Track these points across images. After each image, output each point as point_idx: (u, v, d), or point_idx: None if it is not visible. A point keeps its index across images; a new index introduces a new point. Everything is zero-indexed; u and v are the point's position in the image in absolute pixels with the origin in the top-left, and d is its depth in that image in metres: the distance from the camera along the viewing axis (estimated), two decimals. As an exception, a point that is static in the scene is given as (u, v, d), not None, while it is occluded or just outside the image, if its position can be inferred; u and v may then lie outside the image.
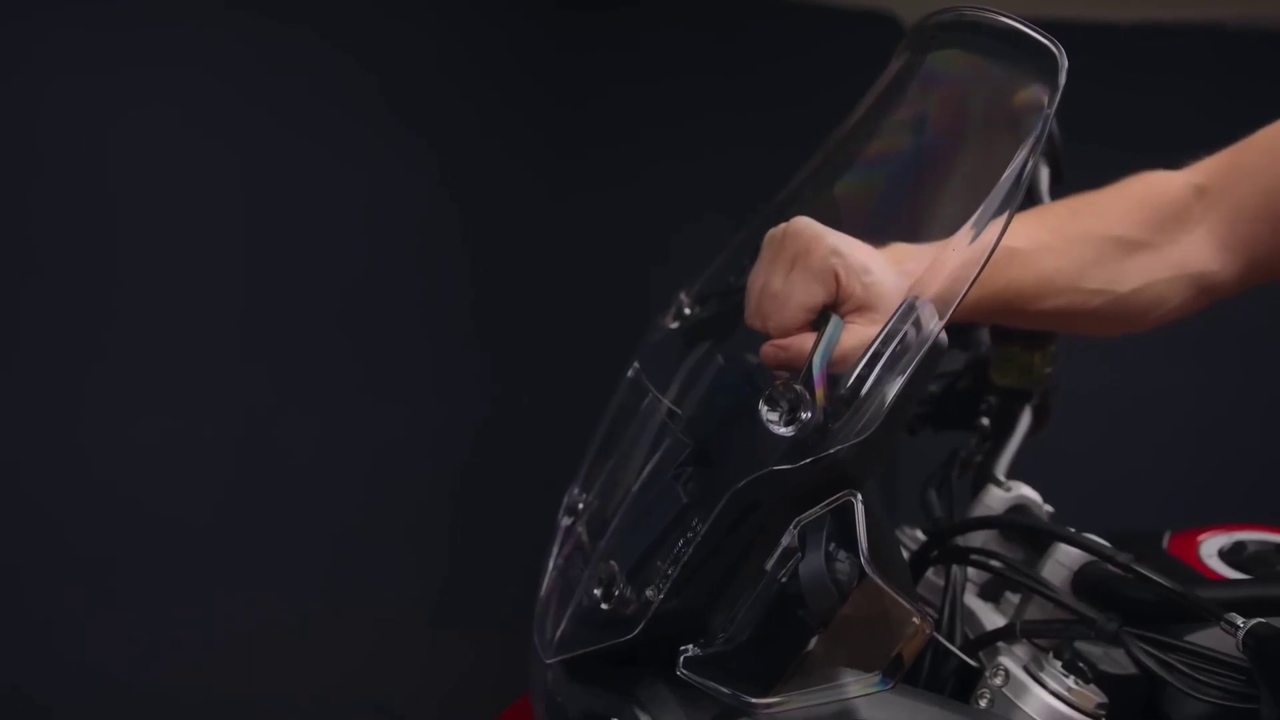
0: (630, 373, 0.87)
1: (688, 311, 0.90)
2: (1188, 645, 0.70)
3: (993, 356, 1.01)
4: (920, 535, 0.97)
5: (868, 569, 0.62)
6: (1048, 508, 0.93)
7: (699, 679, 0.66)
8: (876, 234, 0.76)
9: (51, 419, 1.76)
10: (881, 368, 0.66)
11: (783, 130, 2.42)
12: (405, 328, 2.28)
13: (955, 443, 1.03)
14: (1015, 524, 0.86)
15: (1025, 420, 1.02)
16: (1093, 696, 0.70)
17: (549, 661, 0.77)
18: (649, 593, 0.69)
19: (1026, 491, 0.92)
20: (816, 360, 0.68)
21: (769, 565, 0.66)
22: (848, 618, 0.63)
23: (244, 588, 2.00)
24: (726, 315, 0.86)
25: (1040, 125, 0.66)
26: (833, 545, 0.64)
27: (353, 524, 2.24)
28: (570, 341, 2.62)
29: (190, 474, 1.91)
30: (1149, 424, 2.29)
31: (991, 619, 0.83)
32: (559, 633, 0.76)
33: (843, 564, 0.63)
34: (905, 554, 0.91)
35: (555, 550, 0.85)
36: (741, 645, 0.66)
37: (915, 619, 0.63)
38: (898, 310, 0.67)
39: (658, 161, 2.57)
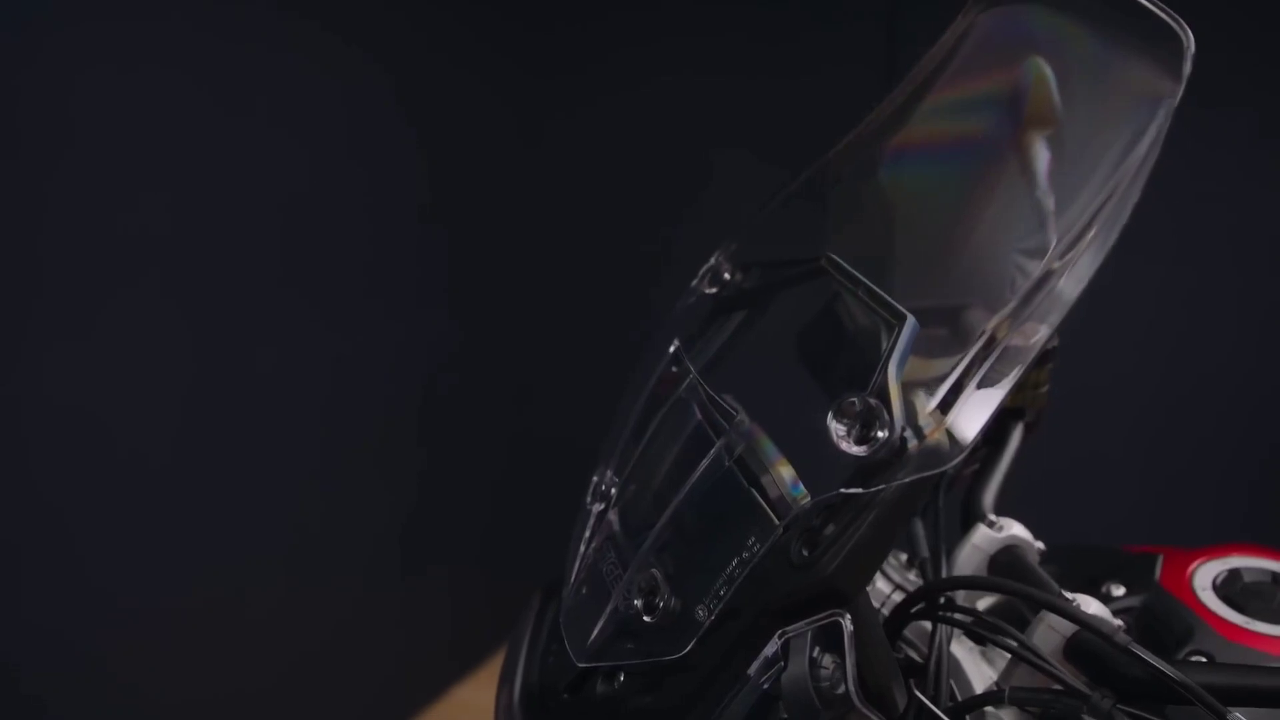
0: (672, 348, 0.80)
1: (727, 277, 0.83)
2: None
3: None
4: (904, 560, 0.92)
5: (856, 700, 0.59)
6: (1039, 545, 0.88)
7: None
8: (935, 226, 0.69)
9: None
10: (977, 385, 0.60)
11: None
12: (357, 251, 2.20)
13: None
14: (1005, 589, 0.80)
15: (1017, 437, 0.97)
16: None
17: (581, 665, 0.72)
18: (700, 613, 0.65)
19: (1018, 531, 0.87)
20: (892, 369, 0.62)
21: (751, 670, 0.62)
22: None
23: (207, 531, 1.97)
24: (771, 288, 0.80)
25: (1161, 119, 0.58)
26: (817, 651, 0.60)
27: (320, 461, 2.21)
28: (535, 269, 2.57)
29: (150, 405, 1.85)
30: (1137, 427, 2.26)
31: (978, 670, 0.79)
32: (594, 638, 0.72)
33: (827, 672, 0.60)
34: (890, 595, 0.87)
35: (586, 536, 0.80)
36: None
37: None
38: (1003, 310, 0.60)
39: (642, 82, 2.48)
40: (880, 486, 0.60)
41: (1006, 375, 0.61)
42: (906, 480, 0.59)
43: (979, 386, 0.60)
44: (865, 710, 0.59)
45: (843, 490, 0.60)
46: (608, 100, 2.52)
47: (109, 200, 1.69)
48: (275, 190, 1.97)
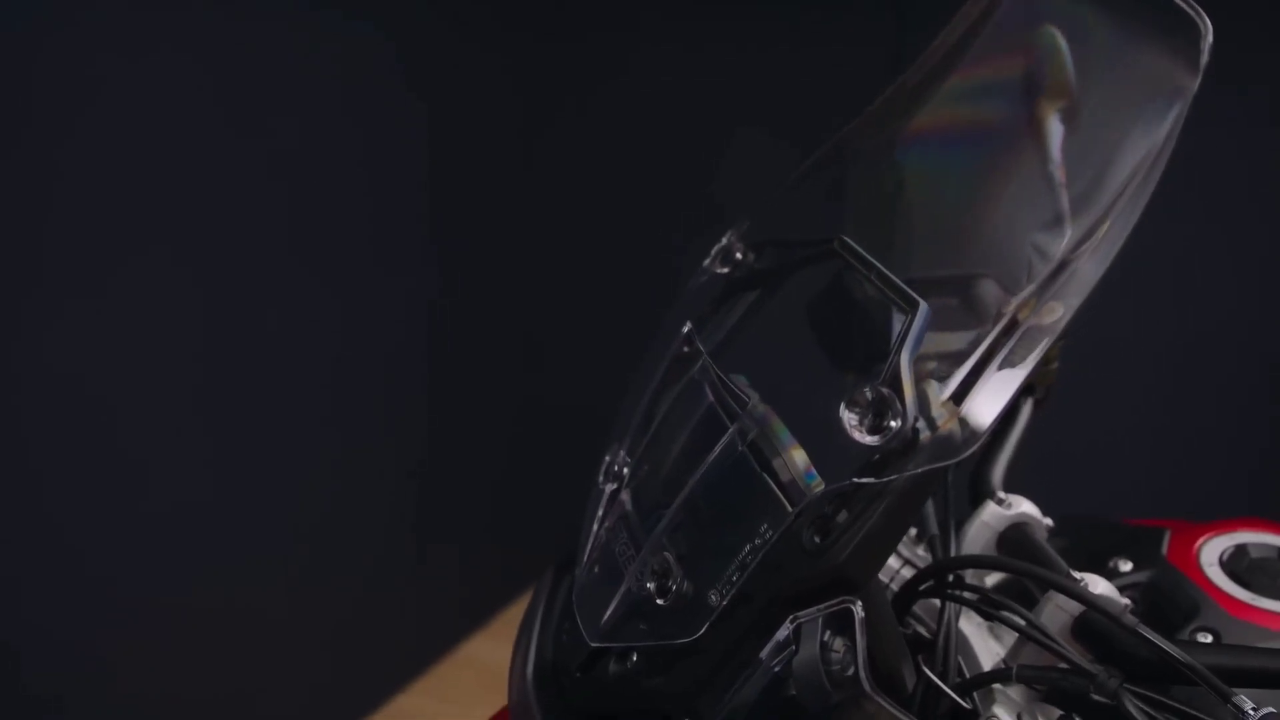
0: (685, 329, 0.80)
1: (739, 257, 0.83)
2: (1191, 713, 0.66)
3: None
4: (913, 535, 0.93)
5: (867, 686, 0.59)
6: (1047, 521, 0.88)
7: None
8: (951, 209, 0.69)
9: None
10: (998, 366, 0.60)
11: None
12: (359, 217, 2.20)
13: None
14: (1014, 569, 0.81)
15: (1026, 413, 0.97)
16: None
17: (594, 645, 0.73)
18: (712, 597, 0.65)
19: (1026, 508, 0.88)
20: (905, 358, 0.62)
21: (763, 654, 0.63)
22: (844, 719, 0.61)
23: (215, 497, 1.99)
24: (783, 270, 0.80)
25: (1179, 109, 0.58)
26: (828, 635, 0.61)
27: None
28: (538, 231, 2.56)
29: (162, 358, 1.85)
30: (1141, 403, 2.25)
31: (986, 646, 0.80)
32: (607, 618, 0.73)
33: (838, 655, 0.60)
34: (899, 570, 0.87)
35: (599, 515, 0.80)
36: None
37: None
38: (1015, 301, 0.61)
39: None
40: (892, 477, 0.60)
41: (1023, 361, 0.61)
42: (918, 471, 0.60)
43: (994, 372, 0.60)
44: (876, 697, 0.59)
45: (855, 480, 0.61)
46: (616, 70, 2.50)
47: (118, 168, 1.69)
48: (281, 156, 1.96)
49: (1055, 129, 0.66)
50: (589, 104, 2.53)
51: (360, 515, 2.32)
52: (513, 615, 2.69)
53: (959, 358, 0.62)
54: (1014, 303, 0.62)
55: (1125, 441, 2.21)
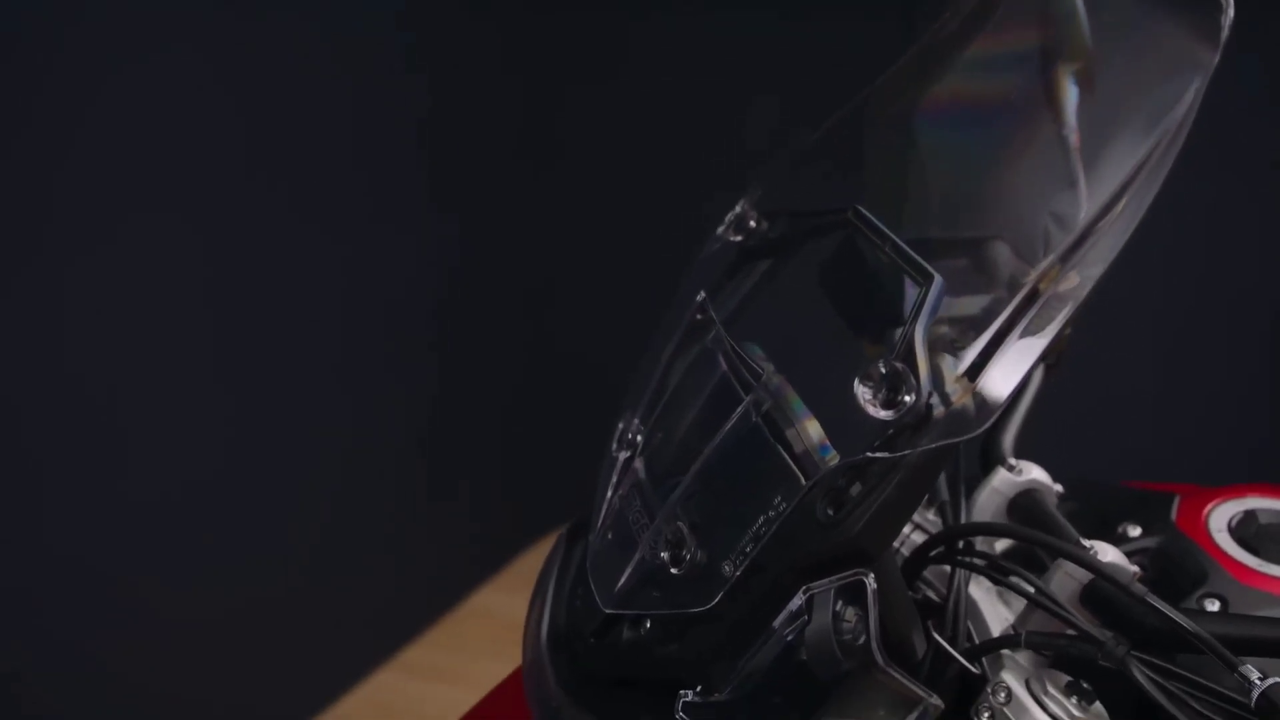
0: (699, 297, 0.80)
1: (753, 225, 0.83)
2: (1197, 680, 0.67)
3: None
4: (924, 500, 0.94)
5: (879, 658, 0.60)
6: (1057, 488, 0.88)
7: None
8: (966, 176, 0.68)
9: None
10: (1017, 337, 0.60)
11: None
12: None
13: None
14: (1024, 537, 0.81)
15: (1038, 379, 0.97)
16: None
17: (608, 611, 0.74)
18: (726, 568, 0.66)
19: (1037, 474, 0.88)
20: (919, 332, 0.62)
21: (776, 623, 0.63)
22: (855, 689, 0.61)
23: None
24: (797, 239, 0.80)
25: (1198, 84, 0.58)
26: (840, 605, 0.61)
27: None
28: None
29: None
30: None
31: (995, 611, 0.80)
32: (621, 585, 0.74)
33: (849, 625, 0.61)
34: (909, 534, 0.88)
35: (613, 482, 0.81)
36: (742, 699, 0.65)
37: (927, 702, 0.62)
38: (1036, 272, 0.61)
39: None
40: (905, 452, 0.60)
41: (1041, 332, 0.61)
42: (932, 447, 0.60)
43: (1012, 345, 0.61)
44: (888, 669, 0.60)
45: (868, 455, 0.61)
46: (635, 16, 2.47)
47: (120, 126, 1.69)
48: (283, 104, 1.95)
49: (1071, 91, 0.65)
50: (599, 54, 2.50)
51: (370, 468, 2.34)
52: (523, 567, 2.71)
53: (975, 329, 0.62)
54: (1034, 273, 0.61)
55: (1130, 403, 2.21)
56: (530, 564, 2.66)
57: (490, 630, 2.52)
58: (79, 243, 1.66)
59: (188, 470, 1.91)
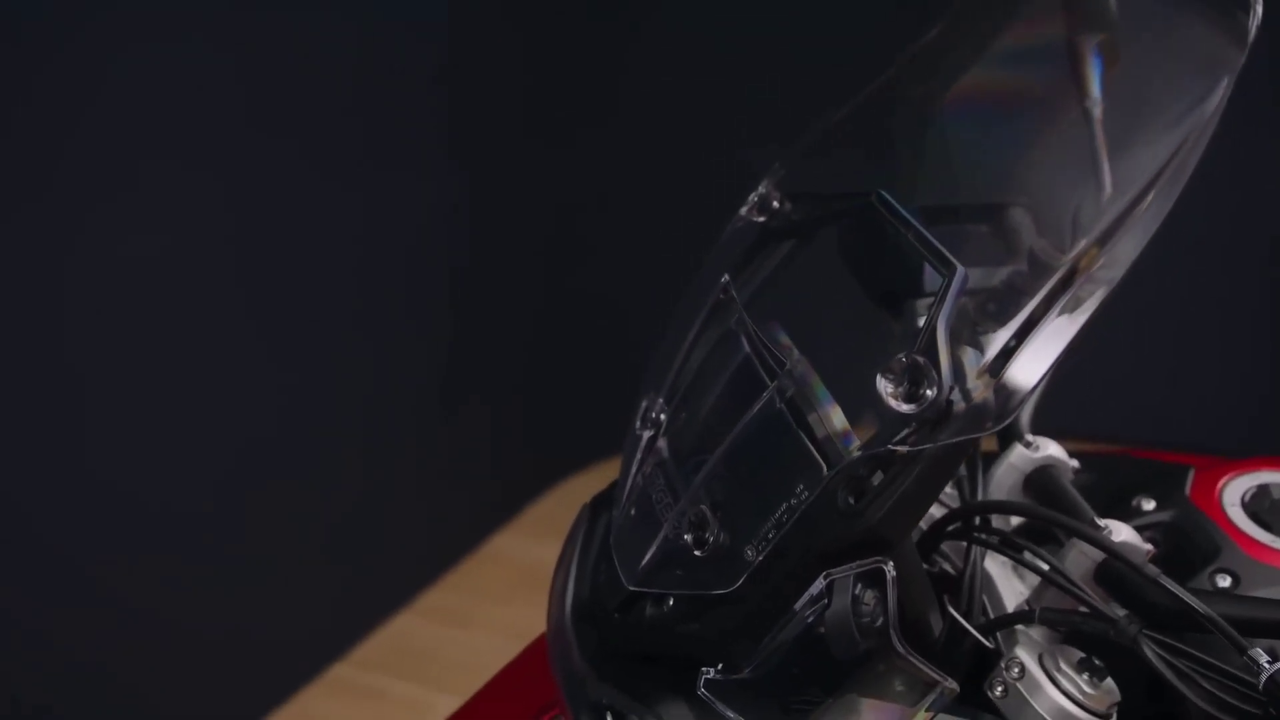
0: (723, 279, 0.81)
1: (776, 206, 0.83)
2: (1208, 660, 0.68)
3: None
4: None
5: (898, 646, 0.62)
6: (1074, 463, 0.88)
7: (719, 704, 0.67)
8: (990, 165, 0.68)
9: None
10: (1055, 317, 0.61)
11: None
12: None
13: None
14: (1040, 516, 0.81)
15: None
16: (1105, 696, 0.70)
17: (631, 588, 0.76)
18: (749, 552, 0.68)
19: (1053, 450, 0.87)
20: (941, 325, 0.63)
21: (797, 606, 0.65)
22: (873, 670, 0.63)
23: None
24: (820, 222, 0.80)
25: (1225, 83, 0.58)
26: (859, 588, 0.63)
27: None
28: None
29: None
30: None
31: (1010, 586, 0.82)
32: (645, 563, 0.75)
33: (868, 608, 0.63)
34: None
35: (636, 458, 0.82)
36: (763, 678, 0.66)
37: (943, 685, 0.63)
38: (1061, 267, 0.61)
39: None
40: (926, 446, 0.61)
41: (1074, 313, 0.62)
42: (952, 441, 0.61)
43: (1048, 325, 0.61)
44: (906, 655, 0.62)
45: (889, 447, 0.62)
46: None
47: (134, 76, 1.69)
48: (299, 59, 1.95)
49: (1100, 99, 0.65)
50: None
51: (389, 414, 2.36)
52: (540, 511, 2.74)
53: (1003, 311, 0.63)
54: (1069, 256, 0.62)
55: (1154, 375, 2.20)
56: (546, 509, 2.69)
57: (507, 575, 2.55)
58: (102, 189, 1.68)
59: (207, 418, 1.94)
